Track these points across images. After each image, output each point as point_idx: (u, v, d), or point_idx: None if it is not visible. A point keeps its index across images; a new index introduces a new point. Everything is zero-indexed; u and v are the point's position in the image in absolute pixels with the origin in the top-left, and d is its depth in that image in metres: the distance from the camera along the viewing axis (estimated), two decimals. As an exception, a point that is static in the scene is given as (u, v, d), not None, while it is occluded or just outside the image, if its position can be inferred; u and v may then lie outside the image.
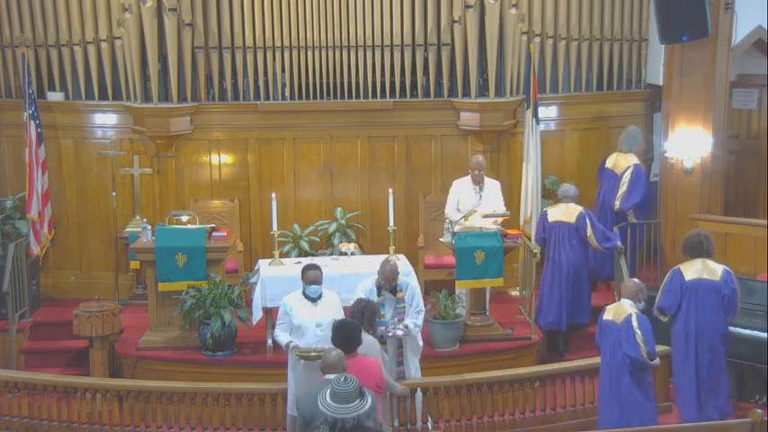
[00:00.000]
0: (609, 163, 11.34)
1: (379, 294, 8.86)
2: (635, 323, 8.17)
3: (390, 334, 8.67)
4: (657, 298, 9.08)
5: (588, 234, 10.39)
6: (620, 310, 8.25)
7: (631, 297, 8.24)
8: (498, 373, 9.30)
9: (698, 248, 9.03)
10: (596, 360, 9.63)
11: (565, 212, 10.51)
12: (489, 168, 11.26)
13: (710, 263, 8.98)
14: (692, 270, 8.98)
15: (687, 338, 8.95)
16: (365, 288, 8.91)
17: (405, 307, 8.89)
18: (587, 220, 10.40)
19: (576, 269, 10.51)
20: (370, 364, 7.26)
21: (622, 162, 11.19)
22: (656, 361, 8.34)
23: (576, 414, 9.38)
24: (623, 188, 11.08)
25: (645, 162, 12.17)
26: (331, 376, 6.46)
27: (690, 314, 8.89)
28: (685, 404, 9.07)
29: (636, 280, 8.48)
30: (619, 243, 10.53)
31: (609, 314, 8.38)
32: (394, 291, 8.86)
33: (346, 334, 7.29)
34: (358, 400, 5.92)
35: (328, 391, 5.95)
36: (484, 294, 10.31)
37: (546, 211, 10.65)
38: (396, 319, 8.86)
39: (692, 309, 8.90)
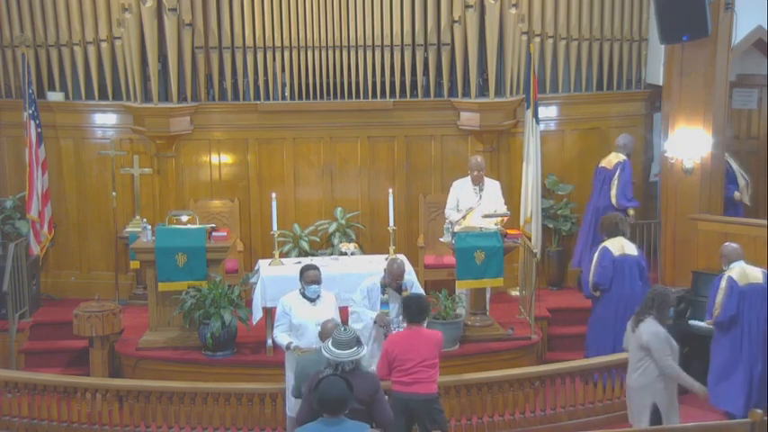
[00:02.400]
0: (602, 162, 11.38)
1: (383, 292, 8.94)
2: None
3: (394, 329, 8.69)
4: (591, 275, 10.00)
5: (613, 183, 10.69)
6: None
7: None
8: (498, 373, 9.32)
9: (615, 229, 10.07)
10: (595, 361, 9.68)
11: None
12: (489, 168, 11.26)
13: (626, 241, 10.04)
14: (615, 247, 9.96)
15: (618, 305, 9.84)
16: (365, 286, 8.97)
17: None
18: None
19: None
20: (433, 334, 7.95)
21: (613, 159, 11.25)
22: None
23: (577, 414, 9.41)
24: (615, 183, 11.12)
25: (644, 162, 12.20)
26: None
27: (619, 285, 9.87)
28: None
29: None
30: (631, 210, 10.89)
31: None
32: (399, 289, 8.91)
33: (419, 306, 7.91)
34: (356, 347, 6.77)
35: (331, 339, 6.81)
36: (484, 294, 10.31)
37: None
38: (400, 316, 8.86)
39: (616, 281, 9.89)
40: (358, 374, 6.71)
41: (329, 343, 6.82)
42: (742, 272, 9.29)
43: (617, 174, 11.10)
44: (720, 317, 9.28)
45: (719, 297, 9.29)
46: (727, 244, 9.51)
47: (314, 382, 6.33)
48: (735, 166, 11.33)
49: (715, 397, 9.26)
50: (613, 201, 11.08)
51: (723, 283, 9.30)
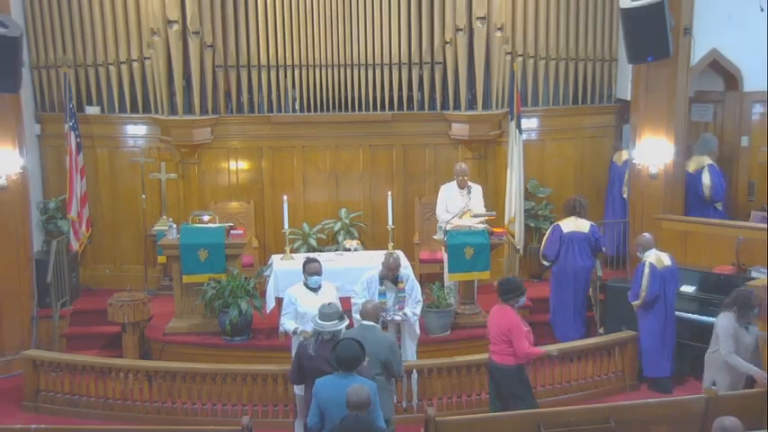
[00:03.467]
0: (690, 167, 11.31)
1: (381, 284, 8.93)
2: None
3: (390, 318, 8.76)
4: (542, 247, 10.66)
5: None
6: None
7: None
8: (485, 356, 9.26)
9: (572, 209, 10.59)
10: (571, 344, 9.74)
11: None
12: (477, 174, 11.31)
13: (581, 220, 10.50)
14: (567, 225, 10.49)
15: (566, 276, 10.47)
16: (365, 279, 8.98)
17: (405, 296, 8.96)
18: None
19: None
20: (510, 316, 8.04)
21: (695, 163, 11.30)
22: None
23: (555, 391, 9.45)
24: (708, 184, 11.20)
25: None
26: (367, 323, 7.51)
27: (567, 258, 10.41)
28: (562, 323, 10.57)
29: None
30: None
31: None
32: (395, 281, 8.93)
33: (506, 287, 8.10)
34: (337, 321, 7.15)
35: (318, 313, 7.21)
36: (472, 286, 10.32)
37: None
38: (396, 306, 8.93)
39: (568, 254, 10.42)
40: (333, 342, 7.00)
41: (316, 316, 7.21)
42: (657, 258, 9.57)
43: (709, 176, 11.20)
44: (648, 297, 9.50)
45: (644, 281, 9.51)
46: (641, 235, 9.80)
47: (302, 349, 7.20)
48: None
49: (648, 368, 9.60)
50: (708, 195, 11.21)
51: (646, 270, 9.52)
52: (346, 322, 7.29)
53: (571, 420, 7.42)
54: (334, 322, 7.15)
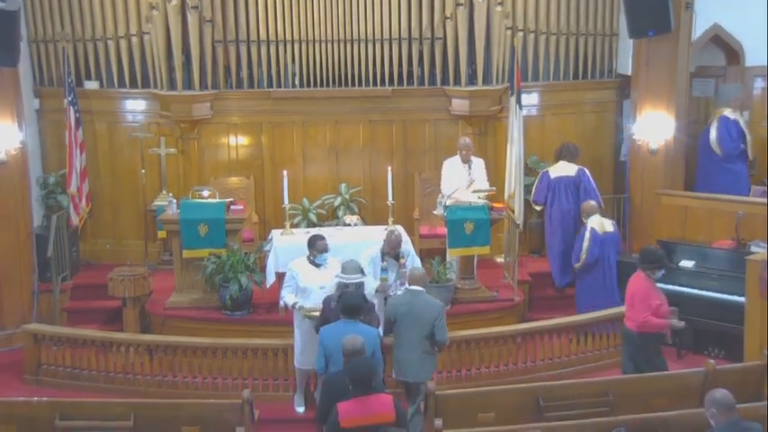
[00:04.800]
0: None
1: (383, 260, 8.96)
2: None
3: (392, 293, 8.76)
4: (532, 193, 11.02)
5: None
6: None
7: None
8: (485, 331, 9.39)
9: (559, 154, 11.09)
10: (569, 319, 9.77)
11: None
12: (478, 149, 11.28)
13: (569, 164, 10.91)
14: (555, 170, 10.97)
15: (553, 220, 10.91)
16: (368, 255, 8.99)
17: (406, 272, 8.97)
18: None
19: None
20: (638, 283, 8.12)
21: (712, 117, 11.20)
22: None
23: (554, 365, 9.49)
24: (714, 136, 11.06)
25: (615, 143, 12.22)
26: (415, 288, 7.86)
27: (554, 202, 10.83)
28: (552, 264, 11.02)
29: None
30: None
31: None
32: (397, 257, 8.96)
33: (651, 257, 8.06)
34: (359, 274, 7.93)
35: (340, 267, 7.99)
36: (472, 261, 10.33)
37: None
38: (398, 282, 8.95)
39: (555, 198, 10.87)
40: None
41: (339, 270, 7.97)
42: (600, 223, 10.14)
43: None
44: (588, 259, 10.11)
45: (585, 244, 10.12)
46: (586, 202, 10.41)
47: (326, 303, 7.86)
48: (743, 125, 11.07)
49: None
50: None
51: (587, 234, 10.12)
52: (367, 277, 8.06)
53: (570, 394, 7.47)
54: (357, 275, 7.87)
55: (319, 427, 6.92)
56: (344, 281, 7.87)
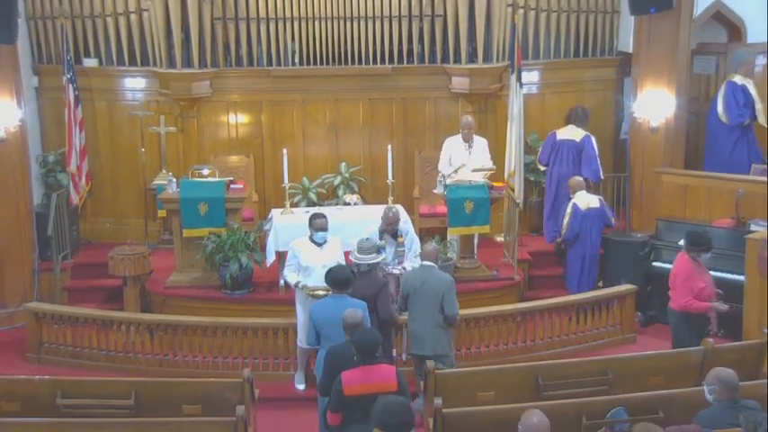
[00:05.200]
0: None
1: (381, 238, 8.94)
2: None
3: (389, 271, 8.78)
4: (538, 154, 11.19)
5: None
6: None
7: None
8: (485, 310, 9.42)
9: (568, 117, 11.19)
10: (569, 298, 9.80)
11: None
12: (478, 127, 11.24)
13: (577, 129, 10.95)
14: (562, 132, 11.03)
15: (552, 179, 11.02)
16: (369, 233, 8.96)
17: (404, 251, 8.99)
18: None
19: None
20: (681, 264, 8.31)
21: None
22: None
23: (553, 344, 9.53)
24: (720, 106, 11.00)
25: (615, 121, 12.19)
26: (427, 263, 8.03)
27: (554, 164, 10.92)
28: (545, 224, 11.18)
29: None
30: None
31: None
32: (395, 235, 8.95)
33: (697, 240, 8.17)
34: (374, 254, 7.93)
35: (356, 247, 7.98)
36: (472, 240, 10.35)
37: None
38: (396, 260, 8.96)
39: (556, 160, 11.00)
40: (368, 276, 7.85)
41: (355, 250, 7.95)
42: (584, 199, 10.25)
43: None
44: (567, 234, 10.32)
45: (565, 220, 10.30)
46: (573, 178, 10.50)
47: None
48: (753, 91, 10.89)
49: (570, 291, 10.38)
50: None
51: (569, 209, 10.32)
52: (383, 256, 8.20)
53: (569, 373, 7.51)
54: (371, 255, 7.90)
55: (322, 396, 6.95)
56: (357, 261, 7.91)
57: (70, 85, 10.92)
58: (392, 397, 5.60)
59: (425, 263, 8.08)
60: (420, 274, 8.02)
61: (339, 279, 7.46)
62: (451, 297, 7.91)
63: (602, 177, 11.00)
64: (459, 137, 10.57)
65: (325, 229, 8.49)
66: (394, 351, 8.46)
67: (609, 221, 10.47)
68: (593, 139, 10.95)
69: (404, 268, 8.87)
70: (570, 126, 11.10)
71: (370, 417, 5.39)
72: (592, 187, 10.89)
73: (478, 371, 7.67)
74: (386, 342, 7.66)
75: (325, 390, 6.66)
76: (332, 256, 8.44)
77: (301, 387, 8.84)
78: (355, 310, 7.02)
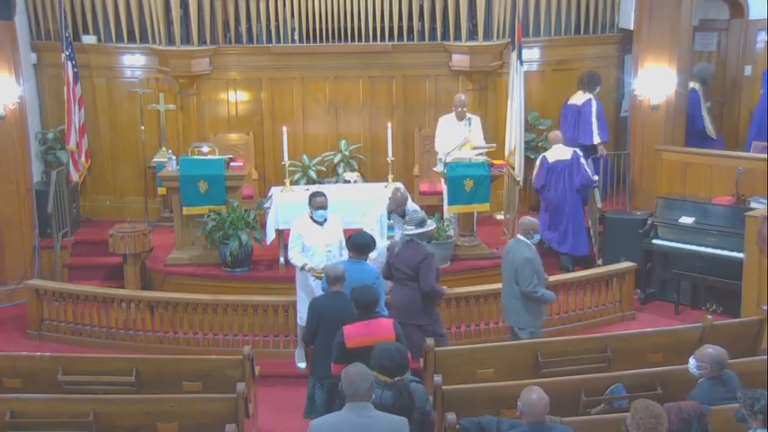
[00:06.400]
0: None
1: (389, 218, 8.95)
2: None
3: (397, 252, 8.74)
4: (533, 180, 10.99)
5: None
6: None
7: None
8: (484, 287, 9.43)
9: (579, 81, 11.34)
10: (569, 276, 9.82)
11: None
12: (478, 105, 11.26)
13: (583, 94, 11.19)
14: (573, 98, 11.32)
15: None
16: (376, 214, 9.00)
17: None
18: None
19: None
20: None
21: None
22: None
23: (553, 322, 9.53)
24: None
25: (616, 99, 12.18)
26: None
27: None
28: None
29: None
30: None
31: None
32: (403, 215, 8.90)
33: None
34: (419, 227, 7.93)
35: (405, 219, 8.15)
36: (472, 218, 10.33)
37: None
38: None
39: (560, 125, 11.41)
40: (411, 246, 7.90)
41: (404, 223, 8.13)
42: (555, 152, 10.61)
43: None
44: (535, 184, 10.84)
45: (534, 171, 10.78)
46: (552, 132, 10.89)
47: (390, 249, 8.11)
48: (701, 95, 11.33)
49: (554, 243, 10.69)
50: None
51: (537, 161, 10.77)
52: (433, 226, 8.22)
53: (569, 350, 7.55)
54: (417, 228, 7.93)
55: (307, 345, 7.37)
56: (405, 232, 7.98)
57: (69, 62, 10.90)
58: (389, 343, 6.19)
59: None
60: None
61: (361, 244, 7.70)
62: (425, 270, 7.83)
63: (597, 141, 10.99)
64: (452, 115, 10.53)
65: (325, 207, 8.47)
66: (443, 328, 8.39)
67: (585, 178, 10.51)
68: (595, 103, 11.02)
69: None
70: (580, 92, 11.29)
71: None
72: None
73: (478, 348, 7.71)
74: (428, 316, 7.87)
75: (309, 338, 7.20)
76: (333, 235, 8.45)
77: (302, 365, 8.86)
78: (337, 264, 7.42)
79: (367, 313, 6.76)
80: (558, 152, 10.60)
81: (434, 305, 8.12)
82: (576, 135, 11.01)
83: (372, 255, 8.22)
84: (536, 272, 7.91)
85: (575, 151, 10.58)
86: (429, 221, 8.11)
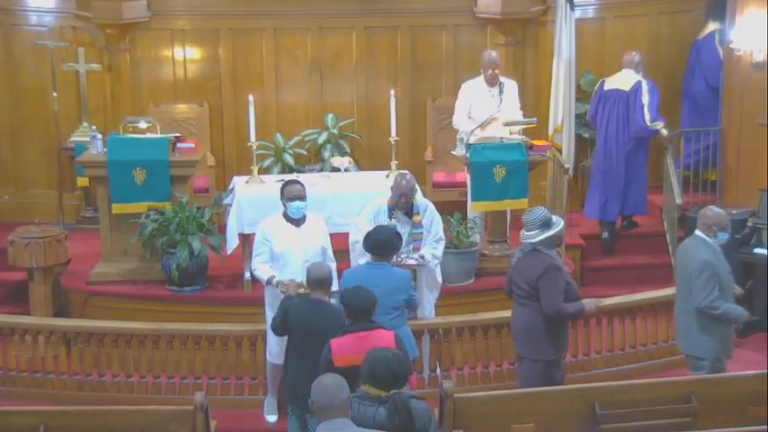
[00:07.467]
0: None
1: (390, 216, 8.91)
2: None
3: (402, 262, 8.74)
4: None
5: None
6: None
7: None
8: (520, 312, 9.45)
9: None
10: (634, 298, 9.79)
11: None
12: (513, 67, 11.28)
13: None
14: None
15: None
16: (373, 210, 8.97)
17: (422, 233, 8.95)
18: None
19: None
20: None
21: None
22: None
23: (615, 360, 9.54)
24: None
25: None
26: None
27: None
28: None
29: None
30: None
31: None
32: (410, 213, 8.93)
33: None
34: (537, 230, 7.88)
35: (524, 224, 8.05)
36: (504, 218, 10.36)
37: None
38: (411, 246, 8.92)
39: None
40: (532, 255, 7.94)
41: (522, 229, 8.01)
42: (616, 78, 11.02)
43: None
44: (589, 118, 11.26)
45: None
46: (628, 53, 11.15)
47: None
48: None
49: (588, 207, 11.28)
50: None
51: (597, 86, 11.21)
52: (561, 224, 8.07)
53: (637, 399, 7.52)
54: (533, 233, 7.89)
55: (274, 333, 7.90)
56: (530, 240, 7.91)
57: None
58: (384, 348, 6.22)
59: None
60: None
61: (379, 241, 7.93)
62: (547, 288, 7.91)
63: (647, 125, 10.96)
64: (480, 80, 10.55)
65: (301, 197, 8.42)
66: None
67: (641, 120, 10.73)
68: (645, 84, 10.93)
69: (421, 257, 8.85)
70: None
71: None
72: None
73: (513, 394, 7.69)
74: (555, 347, 8.00)
75: (277, 329, 7.66)
76: (314, 239, 8.44)
77: (273, 419, 8.88)
78: (321, 262, 7.65)
79: (361, 322, 6.84)
80: (621, 79, 10.75)
81: (565, 332, 8.18)
82: (625, 131, 11.01)
83: (362, 261, 8.35)
84: (718, 281, 7.92)
85: (639, 81, 10.65)
86: (555, 219, 8.03)
